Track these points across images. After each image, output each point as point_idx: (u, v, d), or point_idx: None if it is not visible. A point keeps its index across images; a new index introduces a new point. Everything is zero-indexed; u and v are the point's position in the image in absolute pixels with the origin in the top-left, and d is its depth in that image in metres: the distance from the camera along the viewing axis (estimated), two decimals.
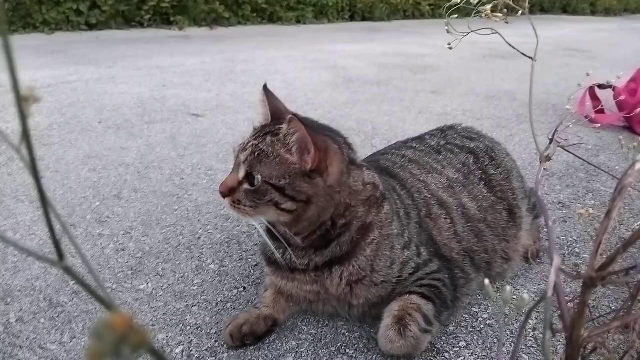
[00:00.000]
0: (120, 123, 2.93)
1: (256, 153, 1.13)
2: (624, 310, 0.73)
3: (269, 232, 1.22)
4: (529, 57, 1.36)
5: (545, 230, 1.82)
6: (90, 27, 7.10)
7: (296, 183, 1.12)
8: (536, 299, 1.39)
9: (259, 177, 1.11)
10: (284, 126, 1.12)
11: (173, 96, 3.54)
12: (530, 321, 1.28)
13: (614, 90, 3.19)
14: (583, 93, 3.16)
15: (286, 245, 1.20)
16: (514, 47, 1.36)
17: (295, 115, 1.10)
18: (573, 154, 1.27)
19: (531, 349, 1.21)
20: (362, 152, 2.54)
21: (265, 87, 1.27)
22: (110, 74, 4.22)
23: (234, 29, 8.14)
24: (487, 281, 0.54)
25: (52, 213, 0.35)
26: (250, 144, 1.16)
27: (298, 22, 9.22)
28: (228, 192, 1.15)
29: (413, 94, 3.90)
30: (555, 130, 1.10)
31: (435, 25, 9.08)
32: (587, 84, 3.11)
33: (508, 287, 0.54)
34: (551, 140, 1.12)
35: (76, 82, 3.89)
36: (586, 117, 3.15)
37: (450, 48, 1.35)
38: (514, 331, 1.28)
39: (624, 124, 3.10)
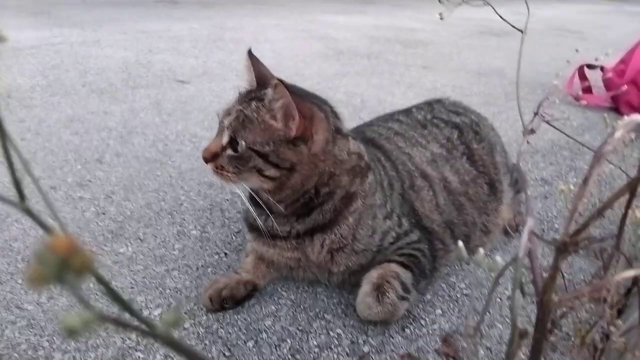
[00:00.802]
0: (104, 87, 2.87)
1: (240, 118, 1.11)
2: (596, 279, 0.74)
3: (251, 198, 1.21)
4: (519, 30, 1.35)
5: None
6: None
7: (280, 150, 1.11)
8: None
9: (243, 142, 1.10)
10: (269, 91, 1.10)
11: (159, 61, 3.47)
12: (506, 290, 1.30)
13: (602, 70, 3.20)
14: (572, 72, 3.17)
15: (268, 212, 1.20)
16: (505, 20, 1.35)
17: (280, 80, 1.09)
18: (558, 129, 1.27)
19: (506, 318, 1.23)
20: (350, 124, 2.52)
21: (249, 52, 1.24)
22: (96, 37, 4.11)
23: None
24: (460, 243, 0.55)
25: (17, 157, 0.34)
26: (235, 109, 1.14)
27: None
28: (211, 157, 1.14)
29: (403, 68, 3.87)
30: (540, 105, 1.10)
31: (429, 0, 8.98)
32: (576, 63, 3.11)
33: (481, 250, 0.54)
34: (535, 114, 1.12)
35: (60, 45, 3.79)
36: (573, 95, 3.16)
37: (441, 18, 1.34)
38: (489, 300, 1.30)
39: (611, 105, 3.12)
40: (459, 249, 0.54)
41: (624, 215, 0.67)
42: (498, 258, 0.52)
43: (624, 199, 0.61)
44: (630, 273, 0.52)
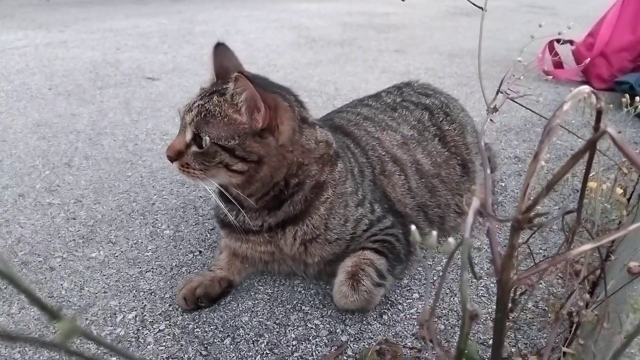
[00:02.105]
0: (71, 89, 2.80)
1: (203, 113, 1.09)
2: (559, 254, 0.74)
3: (221, 195, 1.19)
4: (480, 8, 1.34)
5: (502, 184, 1.85)
6: None
7: (246, 143, 1.09)
8: (488, 249, 1.43)
9: (207, 138, 1.07)
10: (230, 85, 1.08)
11: (127, 59, 3.40)
12: (482, 271, 1.31)
13: (572, 44, 3.22)
14: (542, 48, 3.18)
15: (239, 207, 1.18)
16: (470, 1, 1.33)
17: (241, 72, 1.06)
18: (523, 106, 1.26)
19: (482, 297, 1.24)
20: (324, 113, 2.51)
21: (215, 46, 1.22)
22: (62, 38, 4.02)
23: None
24: (413, 227, 0.54)
25: None
26: (196, 104, 1.11)
27: None
28: (175, 155, 1.11)
29: (376, 53, 3.85)
30: (502, 82, 1.09)
31: None
32: (545, 38, 3.12)
33: (434, 233, 0.53)
34: (497, 91, 1.11)
35: (25, 48, 3.70)
36: (544, 71, 3.18)
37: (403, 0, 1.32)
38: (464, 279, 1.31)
39: (582, 79, 3.14)
40: (413, 232, 0.53)
41: (583, 188, 0.67)
42: (450, 240, 0.51)
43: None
44: (586, 247, 0.52)
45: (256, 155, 1.10)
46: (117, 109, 2.50)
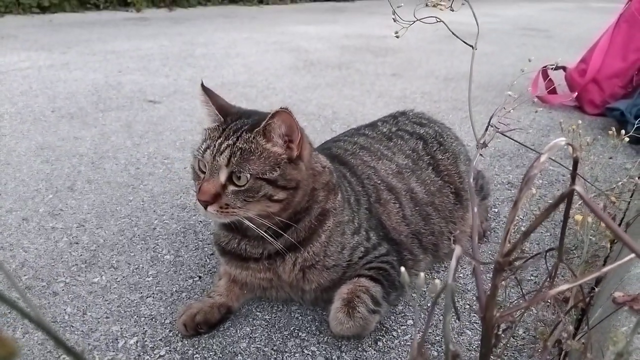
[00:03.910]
0: (73, 111, 2.86)
1: (238, 153, 1.11)
2: (543, 289, 0.78)
3: (223, 224, 1.24)
4: (470, 45, 1.40)
5: (495, 210, 1.89)
6: (43, 10, 6.83)
7: (287, 172, 1.14)
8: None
9: (248, 175, 1.10)
10: (274, 119, 1.11)
11: (129, 82, 3.47)
12: (474, 297, 1.34)
13: (564, 70, 3.30)
14: (536, 74, 3.26)
15: (241, 236, 1.23)
16: (454, 34, 1.39)
17: (285, 108, 1.10)
18: (510, 138, 1.31)
19: (475, 324, 1.27)
20: (322, 137, 2.57)
21: (202, 86, 1.26)
22: (64, 60, 4.09)
23: (193, 9, 7.98)
24: (402, 269, 0.58)
25: None
26: (225, 144, 1.13)
27: (260, 2, 9.09)
28: (212, 199, 1.10)
29: (374, 77, 3.93)
30: (491, 117, 1.15)
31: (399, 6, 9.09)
32: (535, 68, 3.20)
33: (422, 275, 0.58)
34: (487, 127, 1.16)
35: (28, 69, 3.76)
36: (538, 96, 3.24)
37: (397, 37, 1.38)
38: (460, 308, 1.34)
39: (575, 104, 3.21)
40: (402, 274, 0.57)
41: (563, 228, 0.71)
42: (437, 282, 0.55)
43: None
44: (563, 287, 0.56)
45: (294, 181, 1.16)
46: (119, 132, 2.55)
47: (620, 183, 1.60)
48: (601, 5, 11.05)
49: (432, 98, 3.37)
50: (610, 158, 2.36)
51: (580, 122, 1.61)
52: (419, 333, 1.20)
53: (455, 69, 4.24)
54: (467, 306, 1.34)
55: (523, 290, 1.09)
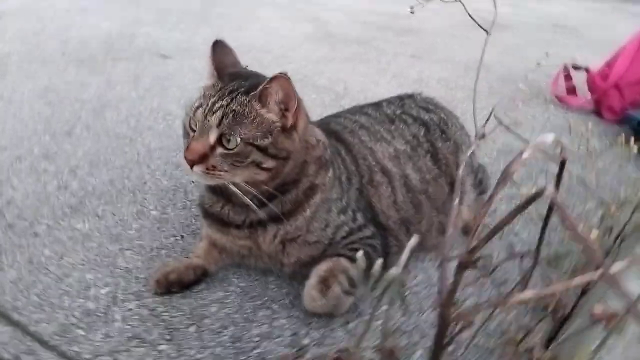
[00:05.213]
0: (83, 58, 2.83)
1: (230, 115, 1.07)
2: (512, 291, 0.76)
3: (210, 187, 1.22)
4: (485, 30, 1.34)
5: (492, 207, 1.85)
6: None
7: (278, 140, 1.10)
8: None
9: (239, 138, 1.06)
10: (266, 84, 1.07)
11: (143, 34, 3.42)
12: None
13: (587, 72, 3.19)
14: (557, 72, 3.16)
15: (225, 200, 1.21)
16: (473, 19, 1.33)
17: (283, 73, 1.05)
18: (513, 132, 1.26)
19: None
20: (329, 111, 2.51)
21: (214, 44, 1.22)
22: (82, 5, 4.04)
23: None
24: (379, 261, 0.55)
25: None
26: (218, 105, 1.09)
27: None
28: (200, 159, 1.07)
29: (391, 56, 3.84)
30: (493, 109, 1.10)
31: None
32: (558, 67, 3.10)
33: (379, 261, 0.55)
34: (488, 118, 1.12)
35: (45, 10, 3.73)
36: (557, 96, 3.16)
37: (412, 12, 1.33)
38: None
39: (593, 108, 3.12)
40: (377, 264, 0.55)
41: (542, 230, 0.68)
42: (392, 270, 0.52)
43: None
44: (526, 295, 0.53)
45: (285, 151, 1.12)
46: (125, 83, 2.52)
47: (624, 195, 1.55)
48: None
49: (448, 85, 3.29)
50: (620, 165, 2.29)
51: (590, 125, 1.55)
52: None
53: (476, 57, 4.10)
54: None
55: (499, 290, 1.06)
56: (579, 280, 0.53)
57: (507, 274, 1.44)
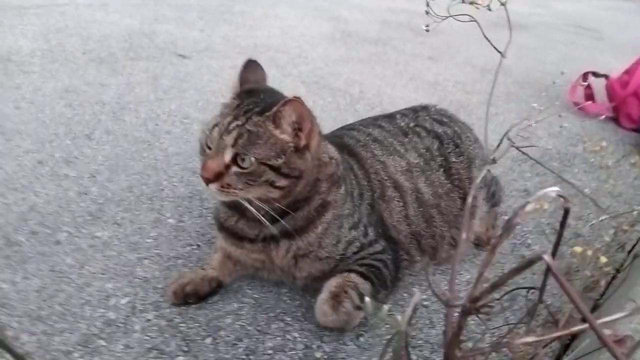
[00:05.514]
0: (104, 56, 2.87)
1: (245, 135, 1.10)
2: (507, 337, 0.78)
3: (224, 202, 1.25)
4: (499, 52, 1.35)
5: (504, 217, 1.86)
6: None
7: (291, 160, 1.13)
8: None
9: (253, 158, 1.10)
10: (285, 108, 1.10)
11: (163, 32, 3.46)
12: None
13: (607, 79, 3.16)
14: (576, 79, 3.13)
15: (239, 215, 1.24)
16: (487, 38, 1.33)
17: (297, 97, 1.09)
18: (524, 153, 1.26)
19: None
20: (344, 115, 2.54)
21: (246, 62, 1.23)
22: (103, 1, 4.09)
23: None
24: (367, 299, 0.58)
25: None
26: (234, 124, 1.12)
27: None
28: (215, 177, 1.11)
29: (409, 57, 3.83)
30: (507, 132, 1.11)
31: None
32: (577, 71, 3.07)
33: (385, 307, 0.57)
34: (499, 143, 1.13)
35: (66, 6, 3.78)
36: (575, 103, 3.13)
37: (427, 30, 1.35)
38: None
39: (612, 115, 3.09)
40: (366, 304, 0.57)
41: (546, 274, 0.69)
42: (399, 317, 0.55)
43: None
44: (529, 339, 0.55)
45: (298, 170, 1.15)
46: (144, 84, 2.56)
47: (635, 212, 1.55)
48: None
49: (465, 88, 3.28)
50: (636, 177, 2.28)
51: (604, 143, 1.54)
52: None
53: (495, 60, 4.07)
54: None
55: (502, 330, 1.08)
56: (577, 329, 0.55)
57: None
